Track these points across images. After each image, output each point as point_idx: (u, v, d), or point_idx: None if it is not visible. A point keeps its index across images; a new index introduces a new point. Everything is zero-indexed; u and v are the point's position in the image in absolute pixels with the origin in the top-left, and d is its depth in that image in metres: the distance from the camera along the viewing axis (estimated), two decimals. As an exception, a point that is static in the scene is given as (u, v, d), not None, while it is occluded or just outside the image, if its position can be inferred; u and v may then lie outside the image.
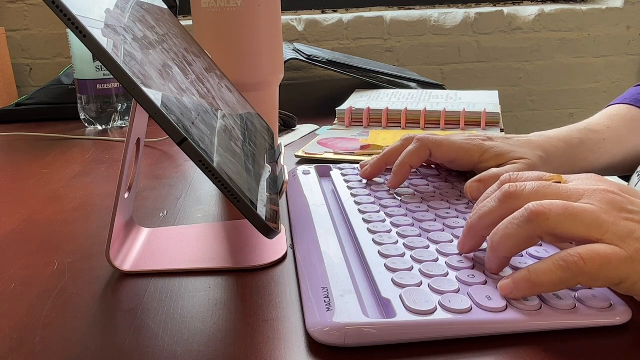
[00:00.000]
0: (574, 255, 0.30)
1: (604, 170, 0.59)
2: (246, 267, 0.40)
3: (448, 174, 0.54)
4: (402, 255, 0.37)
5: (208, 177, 0.31)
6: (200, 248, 0.43)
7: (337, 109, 0.83)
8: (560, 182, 0.36)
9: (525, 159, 0.49)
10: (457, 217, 0.43)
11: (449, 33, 1.42)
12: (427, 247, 0.38)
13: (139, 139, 0.40)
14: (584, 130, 0.56)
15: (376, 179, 0.53)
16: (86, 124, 0.87)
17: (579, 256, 0.30)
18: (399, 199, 0.48)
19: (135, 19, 0.37)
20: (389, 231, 0.41)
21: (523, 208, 0.32)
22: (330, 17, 1.40)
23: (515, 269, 0.35)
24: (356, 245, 0.40)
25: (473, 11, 1.42)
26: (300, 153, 0.67)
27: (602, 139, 0.56)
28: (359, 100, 0.88)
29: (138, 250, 0.42)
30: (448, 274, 0.35)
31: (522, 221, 0.32)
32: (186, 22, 1.31)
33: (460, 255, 0.37)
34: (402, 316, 0.30)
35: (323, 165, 0.58)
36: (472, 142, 0.50)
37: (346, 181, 0.52)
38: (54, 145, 0.77)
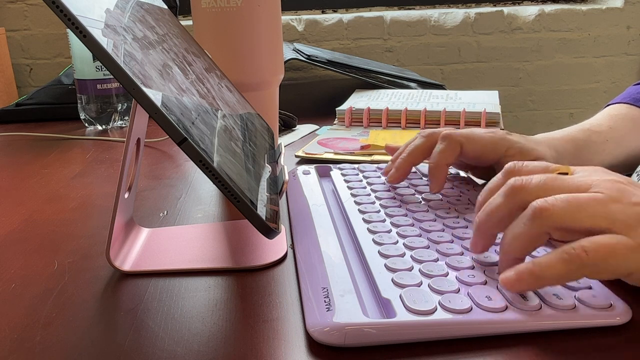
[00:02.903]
0: (577, 247, 0.29)
1: None
2: (246, 267, 0.40)
3: (448, 174, 0.54)
4: (402, 255, 0.37)
5: (208, 177, 0.31)
6: (200, 248, 0.43)
7: (337, 109, 0.83)
8: (567, 173, 0.35)
9: (543, 159, 0.49)
10: (457, 217, 0.43)
11: (449, 33, 1.42)
12: (427, 247, 0.38)
13: (139, 139, 0.40)
14: (587, 131, 0.57)
15: (375, 179, 0.52)
16: (86, 124, 0.87)
17: (581, 248, 0.29)
18: (399, 199, 0.48)
19: (135, 19, 0.37)
20: (389, 231, 0.41)
21: (529, 207, 0.32)
22: (330, 17, 1.40)
23: None
24: (356, 245, 0.40)
25: (473, 11, 1.42)
26: (300, 153, 0.67)
27: (605, 140, 0.57)
28: (359, 100, 0.88)
29: (138, 250, 0.42)
30: (448, 274, 0.35)
31: (527, 219, 0.32)
32: (186, 22, 1.31)
33: (471, 255, 0.37)
34: (402, 316, 0.30)
35: (323, 165, 0.58)
36: (497, 136, 0.49)
37: (346, 181, 0.52)
38: (54, 145, 0.77)
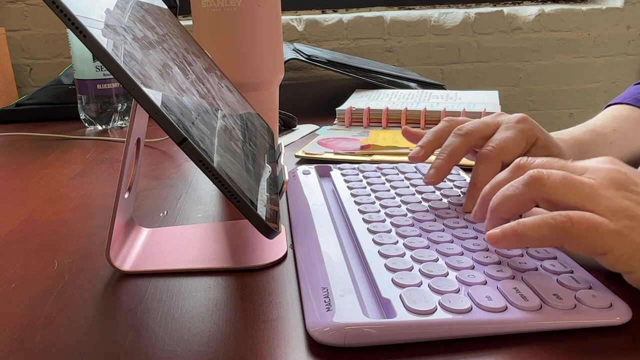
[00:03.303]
0: (564, 215, 0.31)
1: None
2: (246, 267, 0.40)
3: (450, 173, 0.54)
4: (402, 255, 0.37)
5: (208, 177, 0.31)
6: (200, 248, 0.43)
7: (337, 109, 0.83)
8: None
9: (564, 156, 0.49)
10: (458, 218, 0.43)
11: (449, 33, 1.42)
12: (427, 247, 0.38)
13: (139, 139, 0.40)
14: (592, 133, 0.57)
15: (375, 179, 0.52)
16: (86, 124, 0.87)
17: (568, 217, 0.31)
18: (399, 199, 0.48)
19: (135, 19, 0.37)
20: (389, 231, 0.41)
21: (525, 173, 0.35)
22: (330, 17, 1.40)
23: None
24: (356, 245, 0.40)
25: (473, 11, 1.42)
26: (300, 153, 0.67)
27: (610, 143, 0.57)
28: (359, 100, 0.88)
29: (138, 250, 0.42)
30: (448, 274, 0.35)
31: (521, 184, 0.34)
32: (186, 22, 1.31)
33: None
34: (402, 316, 0.30)
35: (323, 165, 0.58)
36: (527, 126, 0.48)
37: (346, 181, 0.52)
38: (54, 145, 0.77)
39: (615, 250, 0.31)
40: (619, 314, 0.31)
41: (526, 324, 0.30)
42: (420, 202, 0.47)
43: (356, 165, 0.57)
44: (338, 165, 0.58)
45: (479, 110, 0.78)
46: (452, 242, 0.39)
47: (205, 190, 0.57)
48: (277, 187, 0.41)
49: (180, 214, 0.51)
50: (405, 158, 0.60)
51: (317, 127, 0.83)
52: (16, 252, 0.44)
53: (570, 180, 0.33)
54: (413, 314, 0.30)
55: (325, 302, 0.32)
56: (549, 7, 1.44)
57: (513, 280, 0.34)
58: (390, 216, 0.44)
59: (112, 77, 0.80)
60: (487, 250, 0.38)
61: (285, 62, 0.85)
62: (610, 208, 0.32)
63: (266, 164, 0.44)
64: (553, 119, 1.50)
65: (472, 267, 0.35)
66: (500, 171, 0.48)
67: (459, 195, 0.48)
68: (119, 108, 0.86)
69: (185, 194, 0.56)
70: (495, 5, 1.50)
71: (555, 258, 0.36)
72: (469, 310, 0.31)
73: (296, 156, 0.67)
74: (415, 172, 0.55)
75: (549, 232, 0.32)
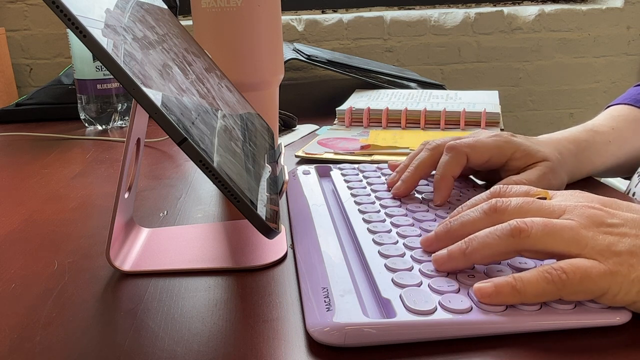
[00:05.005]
0: (557, 268, 0.31)
1: (607, 172, 0.59)
2: (246, 267, 0.40)
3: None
4: (402, 255, 0.37)
5: (208, 177, 0.31)
6: (200, 248, 0.43)
7: (337, 109, 0.83)
8: (545, 198, 0.37)
9: (547, 161, 0.49)
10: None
11: (449, 33, 1.42)
12: (427, 247, 0.38)
13: (139, 139, 0.40)
14: (590, 132, 0.57)
15: (375, 179, 0.52)
16: (86, 124, 0.87)
17: (562, 269, 0.30)
18: (400, 199, 0.48)
19: (135, 19, 0.37)
20: (389, 231, 0.41)
21: (507, 222, 0.33)
22: (330, 17, 1.40)
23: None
24: (356, 245, 0.40)
25: (473, 11, 1.42)
26: (300, 153, 0.67)
27: (608, 141, 0.57)
28: (359, 100, 0.88)
29: (138, 250, 0.42)
30: (448, 274, 0.35)
31: (505, 234, 0.32)
32: (186, 22, 1.31)
33: (428, 254, 0.37)
34: (402, 316, 0.30)
35: (323, 165, 0.58)
36: (502, 139, 0.49)
37: (346, 181, 0.52)
38: (54, 145, 0.77)
39: (611, 290, 0.30)
40: (619, 314, 0.31)
41: (526, 324, 0.30)
42: (420, 202, 0.47)
43: (356, 165, 0.57)
44: (338, 165, 0.58)
45: (479, 110, 0.78)
46: (452, 242, 0.39)
47: (205, 190, 0.57)
48: (277, 187, 0.41)
49: (180, 214, 0.51)
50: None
51: (317, 127, 0.83)
52: (16, 252, 0.44)
53: (551, 227, 0.32)
54: (413, 314, 0.30)
55: (325, 302, 0.32)
56: (549, 7, 1.44)
57: (513, 280, 0.34)
58: (390, 216, 0.44)
59: (112, 77, 0.80)
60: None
61: (285, 62, 0.85)
62: (595, 248, 0.31)
63: (266, 164, 0.44)
64: (553, 119, 1.50)
65: (472, 267, 0.35)
66: (462, 168, 0.48)
67: (459, 196, 0.48)
68: (119, 108, 0.86)
69: (185, 194, 0.56)
70: (495, 5, 1.50)
71: (555, 258, 0.36)
72: (469, 310, 0.31)
73: (296, 156, 0.67)
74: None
75: (546, 286, 0.30)
